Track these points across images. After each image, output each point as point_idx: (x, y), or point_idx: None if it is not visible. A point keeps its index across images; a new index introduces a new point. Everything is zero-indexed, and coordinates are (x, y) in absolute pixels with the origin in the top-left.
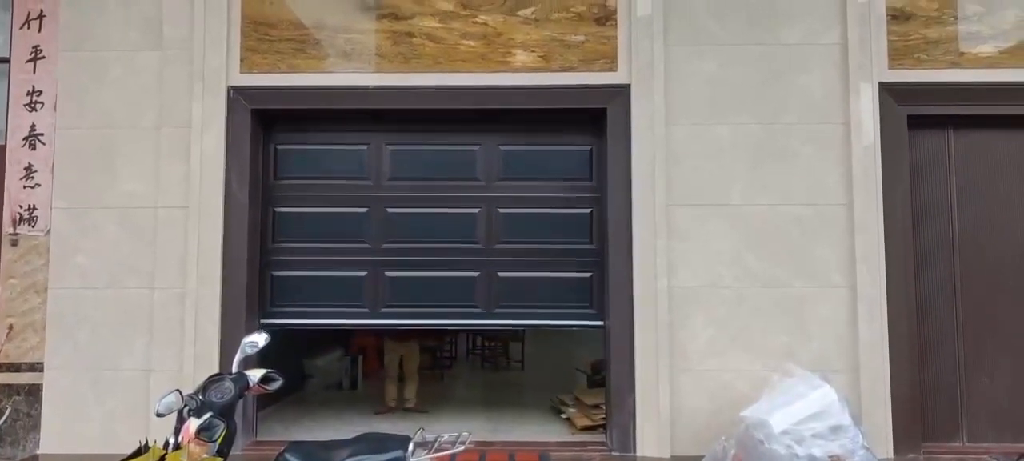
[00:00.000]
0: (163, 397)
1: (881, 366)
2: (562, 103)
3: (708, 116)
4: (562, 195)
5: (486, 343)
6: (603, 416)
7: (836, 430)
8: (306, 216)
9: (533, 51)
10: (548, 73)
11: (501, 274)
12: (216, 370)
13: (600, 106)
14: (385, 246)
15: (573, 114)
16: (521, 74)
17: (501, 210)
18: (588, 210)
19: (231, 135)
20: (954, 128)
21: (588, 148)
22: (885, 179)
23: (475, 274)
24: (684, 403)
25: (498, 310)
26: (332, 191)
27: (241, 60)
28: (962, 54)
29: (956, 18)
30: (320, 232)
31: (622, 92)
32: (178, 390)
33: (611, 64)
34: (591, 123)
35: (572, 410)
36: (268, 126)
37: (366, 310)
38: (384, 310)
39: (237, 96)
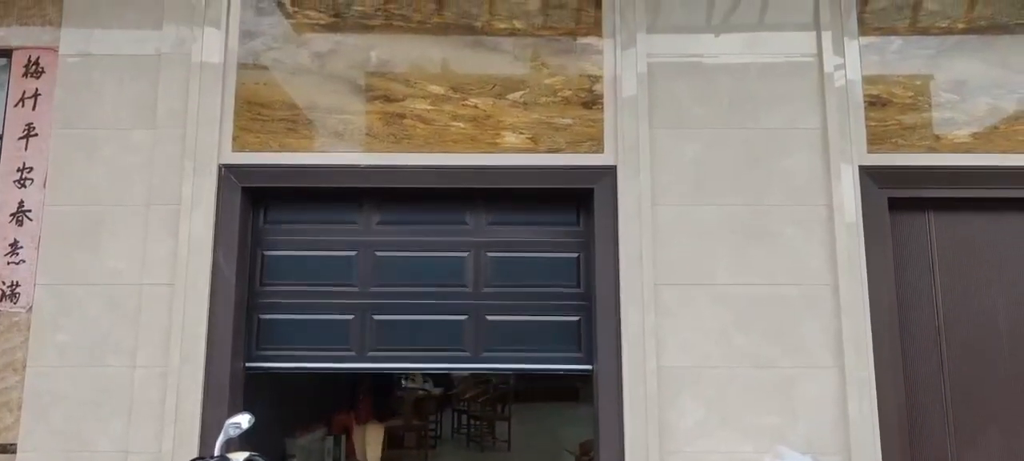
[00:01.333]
0: None
1: (872, 447)
2: (550, 183)
3: (694, 197)
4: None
5: (472, 422)
6: None
7: None
8: (293, 258)
9: (522, 133)
10: (536, 154)
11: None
12: (197, 453)
13: (587, 186)
14: (373, 289)
15: (561, 194)
16: (510, 155)
17: (489, 253)
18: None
19: (221, 212)
20: (934, 210)
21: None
22: (869, 260)
23: (463, 317)
24: None
25: (486, 354)
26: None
27: (233, 139)
28: (938, 139)
29: (930, 105)
30: (307, 274)
31: (609, 173)
32: None
33: (598, 146)
34: (579, 203)
35: None
36: (258, 204)
37: (353, 354)
38: (371, 354)
39: (228, 174)
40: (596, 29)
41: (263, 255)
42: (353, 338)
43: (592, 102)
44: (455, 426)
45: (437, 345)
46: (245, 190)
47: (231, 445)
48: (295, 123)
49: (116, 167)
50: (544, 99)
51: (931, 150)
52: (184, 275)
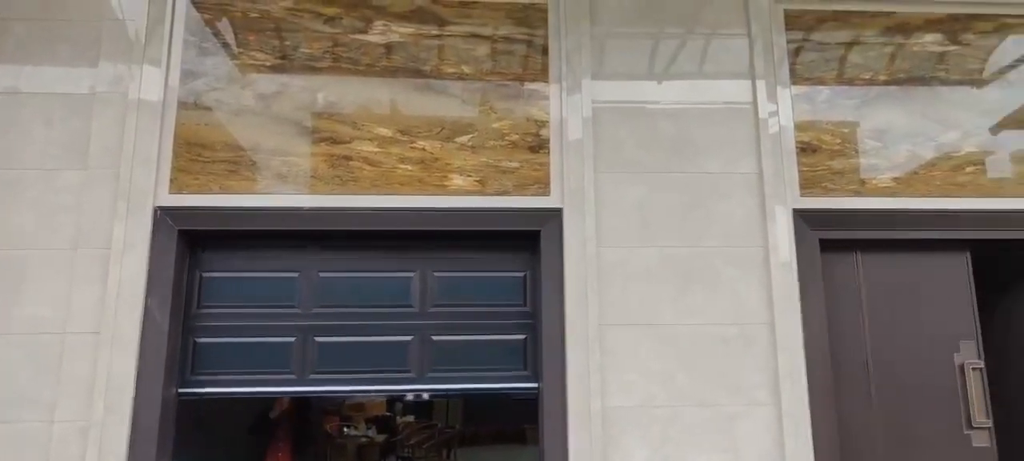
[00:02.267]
0: None
1: None
2: (497, 225)
3: (637, 239)
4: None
5: None
6: None
7: None
8: (233, 280)
9: (470, 176)
10: (484, 196)
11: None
12: None
13: (534, 229)
14: (315, 310)
15: (508, 236)
16: (458, 197)
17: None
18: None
19: (155, 256)
20: (861, 250)
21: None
22: (803, 298)
23: (408, 337)
24: None
25: (431, 375)
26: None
27: (171, 180)
28: (863, 183)
29: (856, 151)
30: (246, 296)
31: (555, 215)
32: None
33: (544, 189)
34: (526, 245)
35: None
36: (196, 247)
37: (293, 377)
38: (312, 377)
39: (164, 216)
40: (543, 75)
41: (200, 275)
42: (294, 361)
43: (539, 146)
44: None
45: (381, 367)
46: (182, 233)
47: None
48: (237, 164)
49: (42, 209)
50: (492, 142)
51: (857, 194)
52: (112, 323)
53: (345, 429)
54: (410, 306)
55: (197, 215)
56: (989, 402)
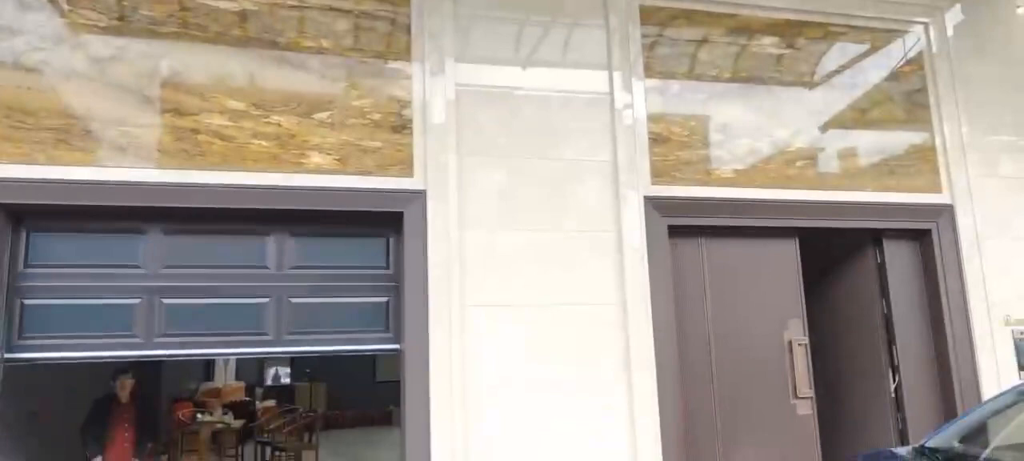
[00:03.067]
0: None
1: (654, 455)
2: (359, 205)
3: (499, 222)
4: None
5: (276, 453)
6: None
7: None
8: (67, 240)
9: (329, 154)
10: (345, 176)
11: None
12: None
13: (397, 210)
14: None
15: (370, 217)
16: (317, 176)
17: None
18: (385, 299)
19: None
20: (706, 237)
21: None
22: (652, 280)
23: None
24: None
25: (289, 337)
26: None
27: None
28: (709, 173)
29: (703, 143)
30: (85, 257)
31: (418, 197)
32: None
33: (407, 170)
34: (388, 226)
35: None
36: (19, 227)
37: (139, 340)
38: (160, 340)
39: None
40: (406, 54)
41: (27, 234)
42: (139, 324)
43: (401, 126)
44: (258, 459)
45: (237, 329)
46: (3, 207)
47: None
48: (68, 133)
49: None
50: (353, 121)
51: (703, 183)
52: None
53: (198, 416)
54: (266, 267)
55: (21, 188)
56: (812, 375)
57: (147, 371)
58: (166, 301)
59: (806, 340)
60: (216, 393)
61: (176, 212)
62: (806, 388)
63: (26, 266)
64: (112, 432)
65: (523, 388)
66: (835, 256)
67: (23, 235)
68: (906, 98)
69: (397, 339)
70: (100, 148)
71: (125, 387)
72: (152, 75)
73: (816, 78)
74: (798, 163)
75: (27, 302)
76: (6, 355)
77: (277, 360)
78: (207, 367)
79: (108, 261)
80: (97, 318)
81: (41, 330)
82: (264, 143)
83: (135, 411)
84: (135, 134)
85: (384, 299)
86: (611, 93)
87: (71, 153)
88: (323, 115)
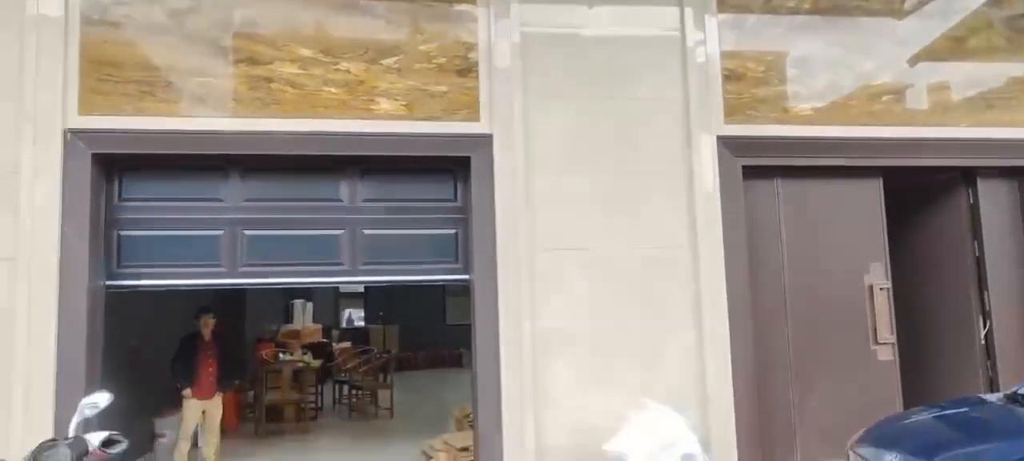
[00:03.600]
0: None
1: (726, 397)
2: (426, 151)
3: (566, 165)
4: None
5: (353, 392)
6: (472, 459)
7: (688, 458)
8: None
9: (396, 99)
10: (412, 121)
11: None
12: (50, 436)
13: (464, 154)
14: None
15: (437, 161)
16: (385, 121)
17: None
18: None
19: (68, 181)
20: (782, 177)
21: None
22: (725, 223)
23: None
24: (549, 441)
25: (363, 267)
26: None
27: (80, 101)
28: (786, 111)
29: (780, 79)
30: (172, 193)
31: (485, 141)
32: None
33: (474, 114)
34: (456, 171)
35: (441, 455)
36: (112, 172)
37: (223, 270)
38: (243, 270)
39: (75, 139)
40: None
41: (120, 177)
42: (223, 254)
43: (467, 70)
44: (336, 397)
45: (314, 260)
46: (96, 157)
47: (88, 425)
48: (152, 85)
49: None
50: (419, 65)
51: (780, 121)
52: (28, 250)
53: (280, 355)
54: (340, 201)
55: (111, 138)
56: (894, 319)
57: (231, 312)
58: (247, 233)
59: (888, 284)
60: (295, 334)
61: (252, 159)
62: (888, 333)
63: (120, 200)
64: (197, 367)
65: (590, 331)
66: (919, 196)
67: (115, 177)
68: (1008, 25)
69: (466, 269)
70: (181, 99)
71: (207, 325)
72: (226, 26)
73: (906, 5)
74: (884, 98)
75: (123, 234)
76: (107, 283)
77: (352, 303)
78: (286, 310)
79: (193, 196)
80: (185, 249)
81: (136, 260)
82: (334, 90)
83: (217, 348)
84: (213, 84)
85: (453, 231)
86: (682, 29)
87: (156, 104)
88: (390, 61)
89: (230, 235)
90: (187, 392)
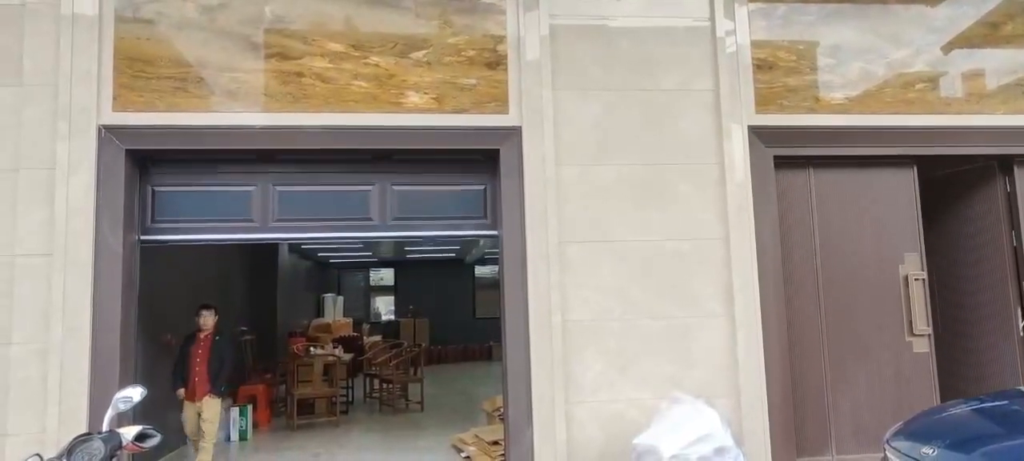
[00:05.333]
0: None
1: (759, 389)
2: (455, 143)
3: (595, 157)
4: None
5: (384, 385)
6: (503, 452)
7: (720, 452)
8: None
9: (426, 93)
10: (441, 114)
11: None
12: (85, 430)
13: (493, 147)
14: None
15: (466, 153)
16: (414, 115)
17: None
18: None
19: (102, 177)
20: (814, 167)
21: (482, 187)
22: (757, 214)
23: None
24: (579, 434)
25: (393, 222)
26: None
27: (114, 97)
28: (818, 101)
29: (811, 68)
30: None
31: (514, 134)
32: (38, 455)
33: (503, 106)
34: (485, 164)
35: (472, 448)
36: (145, 168)
37: (255, 225)
38: (274, 224)
39: (109, 135)
40: None
41: (153, 171)
42: (255, 209)
43: (496, 62)
44: (367, 391)
45: (344, 215)
46: (129, 153)
47: (122, 420)
48: (184, 81)
49: None
50: (448, 59)
51: (811, 111)
52: (63, 244)
53: (311, 349)
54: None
55: (144, 134)
56: (930, 311)
57: (263, 307)
58: (279, 189)
59: (924, 275)
60: (326, 328)
61: (283, 154)
62: (924, 325)
63: (153, 162)
64: (188, 367)
65: (620, 323)
66: (955, 185)
67: (149, 172)
68: None
69: (494, 225)
70: (213, 94)
71: (206, 322)
72: (257, 21)
73: None
74: (917, 86)
75: (157, 189)
76: (141, 237)
77: (382, 296)
78: (318, 304)
79: (225, 183)
80: (218, 204)
81: (169, 214)
82: (363, 84)
83: (211, 347)
84: (244, 79)
85: (481, 187)
86: (712, 19)
87: (188, 100)
88: (419, 54)
89: (261, 190)
90: (181, 393)
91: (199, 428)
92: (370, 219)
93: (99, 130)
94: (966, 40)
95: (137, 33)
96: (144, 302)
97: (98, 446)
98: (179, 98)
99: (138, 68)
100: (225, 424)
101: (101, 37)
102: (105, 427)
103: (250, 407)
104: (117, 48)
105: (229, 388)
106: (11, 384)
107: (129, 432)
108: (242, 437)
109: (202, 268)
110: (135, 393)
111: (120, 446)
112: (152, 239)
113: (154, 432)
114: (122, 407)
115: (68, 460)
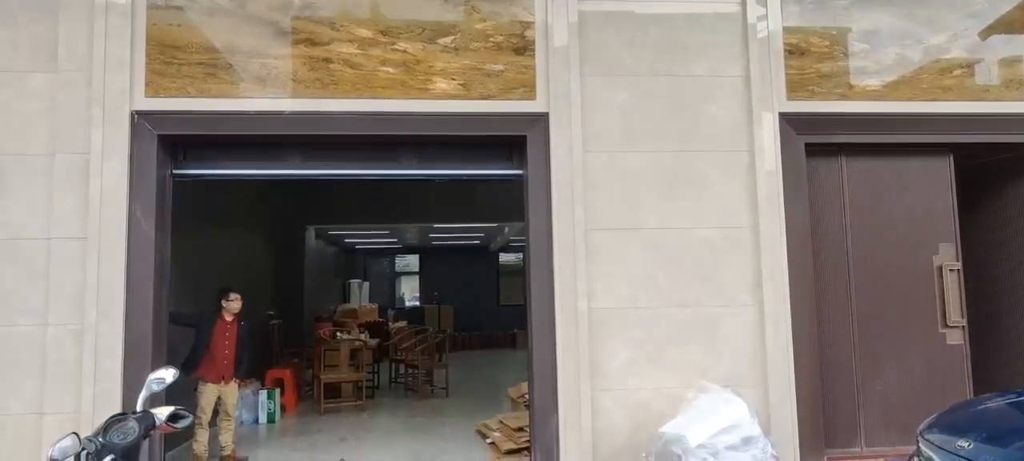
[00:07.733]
0: (58, 441)
1: (787, 379)
2: (483, 130)
3: (623, 144)
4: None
5: (409, 370)
6: (528, 439)
7: (748, 442)
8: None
9: (453, 79)
10: (468, 100)
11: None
12: (119, 410)
13: (520, 133)
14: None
15: (494, 140)
16: (442, 101)
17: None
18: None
19: (135, 161)
20: (846, 155)
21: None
22: (787, 202)
23: None
24: (605, 422)
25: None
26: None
27: (146, 83)
28: (851, 87)
29: (845, 54)
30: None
31: (541, 120)
32: (75, 433)
33: (530, 92)
34: (512, 150)
35: (497, 434)
36: (176, 153)
37: (290, 163)
38: (310, 163)
39: (142, 121)
40: None
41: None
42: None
43: (524, 48)
44: (392, 376)
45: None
46: (161, 138)
47: (155, 400)
48: (214, 67)
49: (12, 114)
50: (476, 44)
51: (844, 97)
52: (97, 228)
53: (338, 334)
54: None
55: (176, 119)
56: (964, 302)
57: (291, 292)
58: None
59: (959, 265)
60: (353, 314)
61: (312, 139)
62: (958, 316)
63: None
64: (214, 349)
65: (646, 311)
66: (992, 173)
67: (180, 156)
68: None
69: (520, 167)
70: (243, 80)
71: (232, 306)
72: (286, 7)
73: None
74: (955, 72)
75: (191, 133)
76: (175, 172)
77: (406, 282)
78: (344, 290)
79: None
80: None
81: (205, 147)
82: (391, 70)
83: (238, 332)
84: (273, 65)
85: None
86: (743, 4)
87: (218, 85)
88: (447, 40)
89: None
90: (202, 375)
91: (216, 409)
92: (397, 162)
93: (132, 116)
94: (1006, 25)
95: (169, 19)
96: (172, 285)
97: (132, 425)
98: (210, 84)
99: (169, 54)
100: (253, 407)
101: (133, 24)
102: (139, 407)
103: (278, 391)
104: (149, 34)
105: (248, 374)
106: (48, 364)
107: (162, 412)
108: (270, 420)
109: (231, 253)
110: (168, 374)
111: (154, 426)
112: (185, 173)
113: (186, 412)
114: (156, 388)
115: (104, 438)
